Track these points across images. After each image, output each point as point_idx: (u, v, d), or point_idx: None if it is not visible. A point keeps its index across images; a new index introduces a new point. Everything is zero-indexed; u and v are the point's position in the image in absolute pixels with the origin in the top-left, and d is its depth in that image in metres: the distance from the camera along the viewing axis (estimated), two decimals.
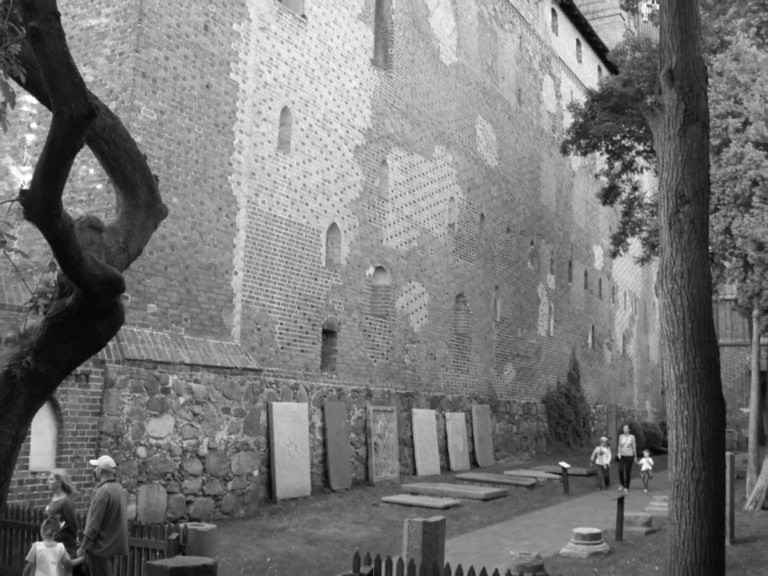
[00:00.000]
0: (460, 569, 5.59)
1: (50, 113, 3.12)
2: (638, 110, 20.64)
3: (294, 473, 13.79)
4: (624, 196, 24.56)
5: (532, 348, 24.57)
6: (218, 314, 12.78)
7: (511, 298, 23.38)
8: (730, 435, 28.53)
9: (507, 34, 24.02)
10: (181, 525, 7.35)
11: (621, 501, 11.27)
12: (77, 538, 6.87)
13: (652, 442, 26.23)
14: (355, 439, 16.00)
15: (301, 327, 14.78)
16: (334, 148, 15.97)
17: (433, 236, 19.50)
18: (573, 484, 16.96)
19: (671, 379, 4.71)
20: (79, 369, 9.79)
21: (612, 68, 27.29)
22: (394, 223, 17.86)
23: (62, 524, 6.66)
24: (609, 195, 24.21)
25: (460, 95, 21.04)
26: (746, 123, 13.65)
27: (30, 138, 12.35)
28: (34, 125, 12.32)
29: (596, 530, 10.38)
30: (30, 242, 11.55)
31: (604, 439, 17.97)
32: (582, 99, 26.63)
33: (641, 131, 22.27)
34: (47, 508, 7.01)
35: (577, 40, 30.11)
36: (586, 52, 31.03)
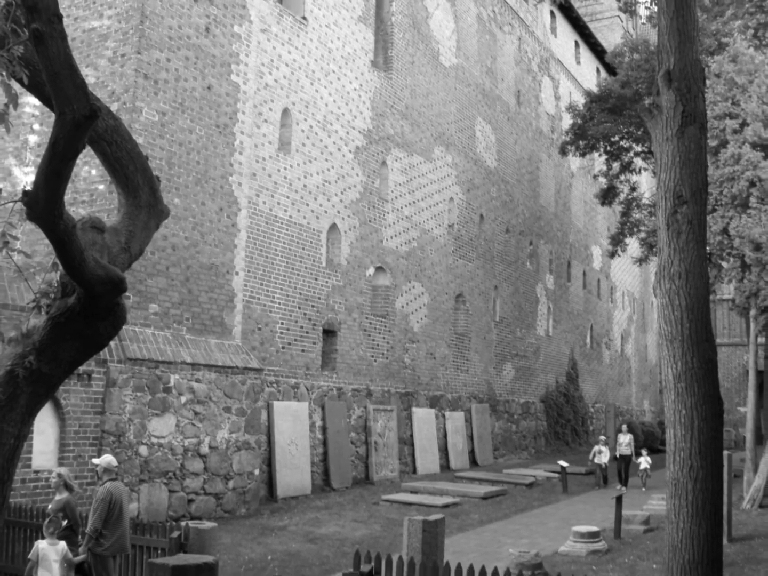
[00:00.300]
0: (459, 567, 5.60)
1: (52, 114, 3.11)
2: (636, 111, 20.72)
3: (294, 472, 13.86)
4: (622, 196, 24.65)
5: (531, 347, 24.66)
6: (219, 314, 12.85)
7: (510, 298, 23.47)
8: (727, 434, 28.65)
9: (506, 35, 24.11)
10: (183, 523, 7.37)
11: (619, 499, 11.32)
12: (79, 537, 6.89)
13: (650, 440, 26.34)
14: (355, 438, 16.08)
15: (301, 327, 14.85)
16: (334, 149, 16.04)
17: (433, 236, 19.58)
18: (572, 482, 17.03)
19: (669, 379, 4.72)
20: (82, 368, 9.84)
21: (610, 70, 27.38)
22: (394, 223, 17.94)
23: (64, 522, 6.69)
24: (607, 196, 24.30)
25: (460, 96, 21.12)
26: (744, 124, 13.74)
27: (32, 139, 12.41)
28: (36, 126, 12.38)
29: (595, 528, 10.42)
30: (33, 242, 11.61)
31: (602, 438, 18.04)
32: (581, 100, 26.73)
33: (639, 132, 22.37)
34: (50, 506, 7.05)
35: (576, 42, 30.21)
36: (585, 53, 31.13)
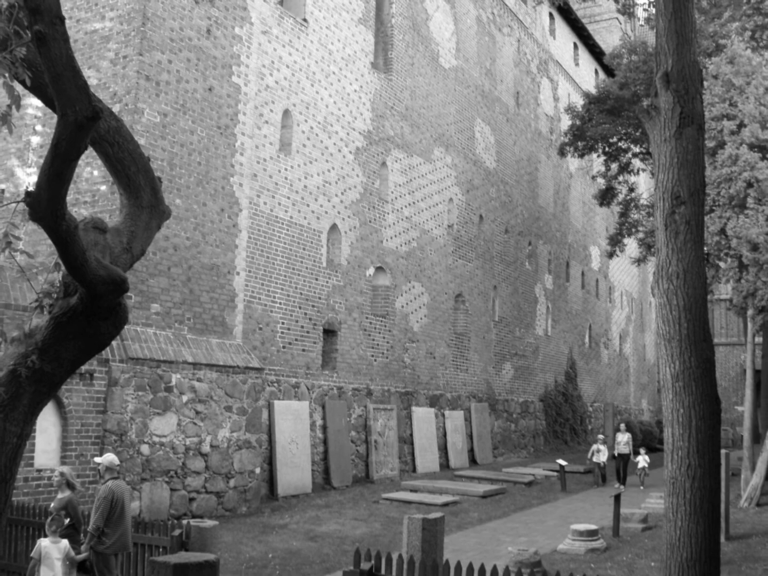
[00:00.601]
0: (459, 565, 5.61)
1: (55, 116, 3.12)
2: (635, 113, 20.82)
3: (295, 470, 13.93)
4: (620, 197, 24.73)
5: (530, 347, 24.74)
6: (220, 314, 12.91)
7: (509, 298, 23.55)
8: (725, 433, 28.72)
9: (505, 37, 24.20)
10: (184, 522, 7.40)
11: (617, 498, 11.36)
12: (81, 535, 6.91)
13: (648, 439, 26.45)
14: (355, 437, 16.15)
15: (302, 326, 14.92)
16: (334, 150, 16.12)
17: (433, 237, 19.66)
18: (570, 481, 17.11)
19: (667, 378, 4.72)
20: (84, 368, 9.88)
21: (609, 71, 27.47)
22: (394, 224, 18.02)
23: (67, 521, 6.71)
24: (606, 196, 24.38)
25: (459, 98, 21.20)
26: (741, 125, 13.80)
27: (35, 140, 12.47)
28: (39, 127, 12.44)
29: (593, 527, 10.46)
30: (35, 243, 11.67)
31: (600, 436, 18.09)
32: (579, 102, 26.82)
33: (638, 133, 22.45)
34: (52, 505, 7.06)
35: (575, 44, 30.30)
36: (583, 55, 31.22)
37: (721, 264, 14.84)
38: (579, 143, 23.66)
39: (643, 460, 17.27)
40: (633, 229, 23.44)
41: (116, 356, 10.71)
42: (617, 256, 25.81)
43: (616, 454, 17.60)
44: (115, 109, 11.42)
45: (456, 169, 20.93)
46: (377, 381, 17.10)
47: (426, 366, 19.01)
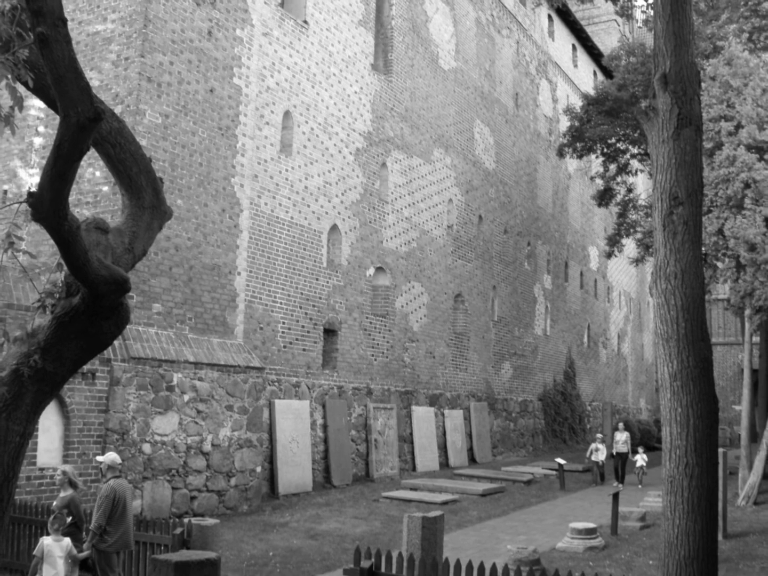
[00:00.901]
0: (458, 563, 5.65)
1: (57, 117, 3.13)
2: (633, 114, 20.90)
3: (296, 469, 13.99)
4: (619, 198, 24.83)
5: (528, 347, 24.83)
6: (222, 314, 12.98)
7: (508, 298, 23.64)
8: (722, 432, 28.80)
9: (504, 39, 24.28)
10: (186, 520, 7.44)
11: (616, 496, 11.43)
12: (84, 533, 6.95)
13: (646, 438, 26.53)
14: (355, 436, 16.23)
15: (302, 326, 14.99)
16: (335, 151, 16.19)
17: (432, 237, 19.74)
18: (569, 480, 17.19)
19: (665, 377, 4.72)
20: (86, 367, 9.92)
21: (607, 73, 27.57)
22: (393, 224, 18.10)
23: (69, 519, 6.74)
24: (604, 197, 24.48)
25: (459, 99, 21.28)
26: (738, 126, 13.88)
27: (37, 141, 12.53)
28: (41, 129, 12.50)
29: (592, 525, 10.52)
30: (38, 243, 11.73)
31: (599, 436, 18.17)
32: (578, 103, 26.91)
33: (636, 134, 22.54)
34: (54, 503, 7.10)
35: (573, 46, 30.39)
36: (582, 57, 31.32)
37: (719, 264, 14.91)
38: (578, 144, 23.75)
39: (641, 458, 17.35)
40: (631, 230, 23.53)
41: (118, 356, 10.76)
42: (615, 256, 25.91)
43: (614, 453, 17.67)
44: (117, 110, 11.48)
45: (455, 169, 21.01)
46: (377, 380, 17.18)
47: (426, 365, 19.09)
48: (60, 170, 3.06)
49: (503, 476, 16.99)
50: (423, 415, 18.41)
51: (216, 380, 12.12)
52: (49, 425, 9.82)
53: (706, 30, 17.88)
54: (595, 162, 29.03)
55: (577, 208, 30.00)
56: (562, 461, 16.70)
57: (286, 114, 14.91)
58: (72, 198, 10.63)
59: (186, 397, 11.59)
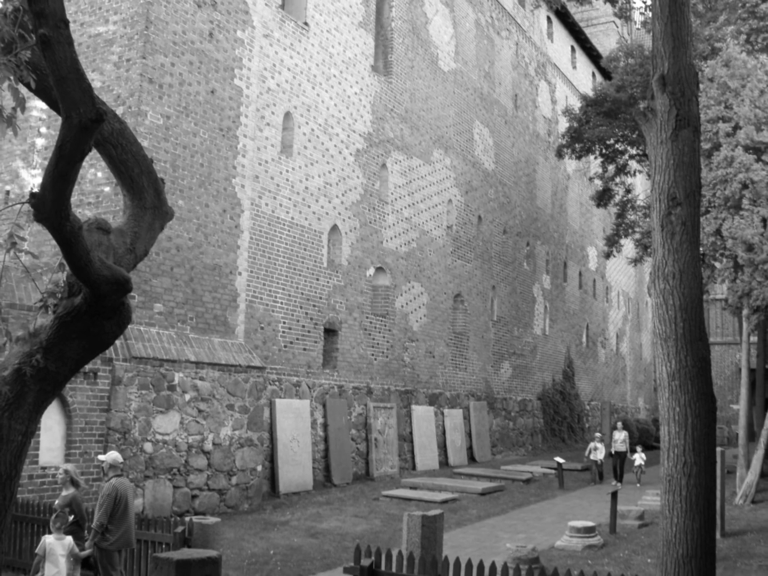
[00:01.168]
0: (458, 562, 5.67)
1: (59, 118, 3.13)
2: (631, 115, 20.99)
3: (296, 468, 14.06)
4: (617, 198, 24.92)
5: (528, 346, 24.90)
6: (223, 313, 13.04)
7: (507, 298, 23.71)
8: (720, 431, 28.85)
9: (503, 41, 24.36)
10: (187, 518, 7.48)
11: (614, 495, 11.47)
12: (85, 532, 6.97)
13: (644, 437, 26.58)
14: (355, 435, 16.29)
15: (303, 326, 15.05)
16: (335, 151, 16.26)
17: (432, 238, 19.81)
18: (568, 478, 17.25)
19: (663, 377, 4.74)
20: (88, 367, 9.97)
21: (606, 74, 27.64)
22: (393, 224, 18.17)
23: (71, 518, 6.76)
24: (603, 197, 24.57)
25: (458, 100, 21.35)
26: (736, 127, 13.94)
27: (39, 142, 12.59)
28: (43, 130, 12.56)
29: (590, 524, 10.54)
30: (40, 243, 11.79)
31: (598, 435, 18.22)
32: (576, 104, 27.00)
33: (634, 135, 22.63)
34: (56, 502, 7.12)
35: (572, 47, 30.48)
36: (581, 58, 31.40)
37: (717, 264, 14.98)
38: (576, 145, 23.84)
39: (639, 457, 17.42)
40: (630, 230, 23.62)
41: (120, 355, 10.81)
42: (614, 256, 26.00)
43: (613, 452, 17.72)
44: (119, 111, 11.54)
45: (455, 170, 21.08)
46: (377, 380, 17.25)
47: (425, 365, 19.16)
48: (62, 171, 3.07)
49: (502, 475, 17.04)
50: (423, 415, 18.48)
51: (217, 380, 12.18)
52: (51, 424, 9.86)
53: (704, 32, 17.96)
54: (593, 163, 29.12)
55: (576, 209, 30.09)
56: (561, 460, 16.76)
57: (287, 115, 14.97)
58: (74, 198, 10.70)
59: (187, 397, 11.65)
